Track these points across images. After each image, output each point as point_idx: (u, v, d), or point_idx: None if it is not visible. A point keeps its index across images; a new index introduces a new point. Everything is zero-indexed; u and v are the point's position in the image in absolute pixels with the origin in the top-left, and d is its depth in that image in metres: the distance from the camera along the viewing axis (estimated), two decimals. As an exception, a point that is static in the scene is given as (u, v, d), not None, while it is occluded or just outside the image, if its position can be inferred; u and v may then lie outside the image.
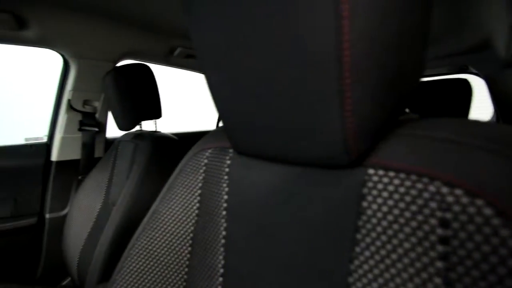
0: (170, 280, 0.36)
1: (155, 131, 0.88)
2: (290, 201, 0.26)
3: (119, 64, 1.07)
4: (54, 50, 0.93)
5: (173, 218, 0.37)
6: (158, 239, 0.37)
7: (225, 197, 0.32)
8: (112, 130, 1.13)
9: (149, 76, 0.83)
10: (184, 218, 0.37)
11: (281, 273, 0.26)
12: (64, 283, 1.01)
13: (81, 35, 0.91)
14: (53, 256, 1.00)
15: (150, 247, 0.37)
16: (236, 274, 0.29)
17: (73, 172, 1.05)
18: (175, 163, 0.81)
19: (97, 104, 1.05)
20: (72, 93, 0.98)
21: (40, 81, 2.68)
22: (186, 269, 0.36)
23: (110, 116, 1.12)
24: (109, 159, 0.93)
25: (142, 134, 0.86)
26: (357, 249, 0.22)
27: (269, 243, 0.27)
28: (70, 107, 0.99)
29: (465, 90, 1.08)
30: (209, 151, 0.36)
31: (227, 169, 0.33)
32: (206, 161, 0.36)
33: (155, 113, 0.84)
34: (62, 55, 0.95)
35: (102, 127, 1.09)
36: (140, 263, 0.37)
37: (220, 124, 1.99)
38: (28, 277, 0.99)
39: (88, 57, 0.96)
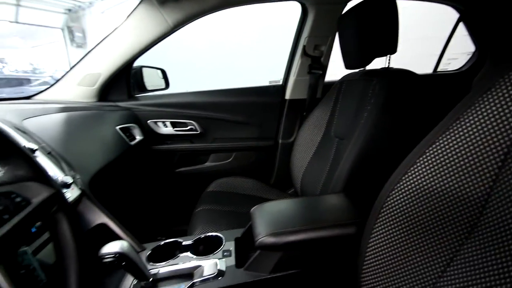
0: (462, 200, 0.35)
1: (388, 67, 0.85)
2: None
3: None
4: (298, 1, 1.08)
5: (469, 148, 0.35)
6: (446, 165, 0.36)
7: None
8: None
9: (392, 8, 0.77)
10: (487, 149, 0.33)
11: None
12: (289, 192, 1.35)
13: None
14: (282, 171, 1.34)
15: (431, 169, 0.38)
16: None
17: (300, 109, 1.29)
18: (418, 98, 0.76)
19: (324, 48, 1.16)
20: (307, 40, 1.13)
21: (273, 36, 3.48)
22: (484, 202, 0.33)
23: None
24: (330, 100, 1.03)
25: (374, 71, 0.85)
26: None
27: None
28: (304, 52, 1.16)
29: None
30: None
31: None
32: None
33: (391, 48, 0.79)
34: (303, 4, 1.10)
35: (325, 70, 1.21)
36: (422, 179, 0.39)
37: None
38: (266, 182, 1.39)
39: (324, 1, 1.05)
